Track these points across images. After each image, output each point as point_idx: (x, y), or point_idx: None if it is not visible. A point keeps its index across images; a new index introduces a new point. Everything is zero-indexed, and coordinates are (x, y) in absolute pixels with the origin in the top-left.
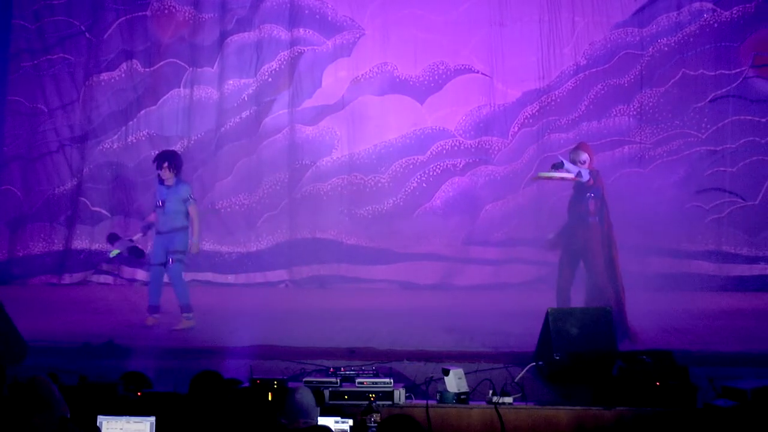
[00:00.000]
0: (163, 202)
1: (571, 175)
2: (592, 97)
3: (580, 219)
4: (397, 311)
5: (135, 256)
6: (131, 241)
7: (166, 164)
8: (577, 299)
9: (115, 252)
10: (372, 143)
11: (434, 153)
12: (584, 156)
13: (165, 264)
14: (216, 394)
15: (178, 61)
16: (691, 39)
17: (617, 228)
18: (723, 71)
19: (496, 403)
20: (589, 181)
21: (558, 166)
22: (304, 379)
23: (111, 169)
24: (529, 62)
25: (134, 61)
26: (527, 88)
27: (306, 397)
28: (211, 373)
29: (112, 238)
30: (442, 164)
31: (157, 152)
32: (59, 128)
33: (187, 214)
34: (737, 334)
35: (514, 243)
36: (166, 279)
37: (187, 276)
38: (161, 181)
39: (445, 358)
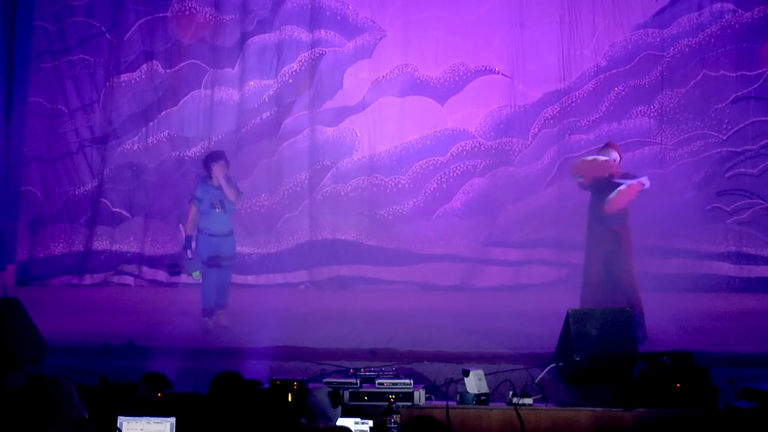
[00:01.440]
0: (221, 203)
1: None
2: (613, 98)
3: (613, 220)
4: (417, 312)
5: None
6: (190, 259)
7: (223, 161)
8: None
9: (197, 274)
10: (392, 144)
11: (454, 154)
12: (614, 154)
13: (218, 266)
14: (236, 395)
15: (198, 62)
16: (712, 40)
17: (638, 229)
18: (744, 72)
19: (516, 404)
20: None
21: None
22: (324, 380)
23: (131, 170)
24: (549, 63)
25: (155, 62)
26: (548, 89)
27: (323, 398)
28: (231, 374)
29: (175, 269)
30: (462, 165)
31: (177, 153)
32: (79, 129)
33: None
34: (758, 335)
35: (534, 244)
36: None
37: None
38: (207, 181)
39: (465, 359)
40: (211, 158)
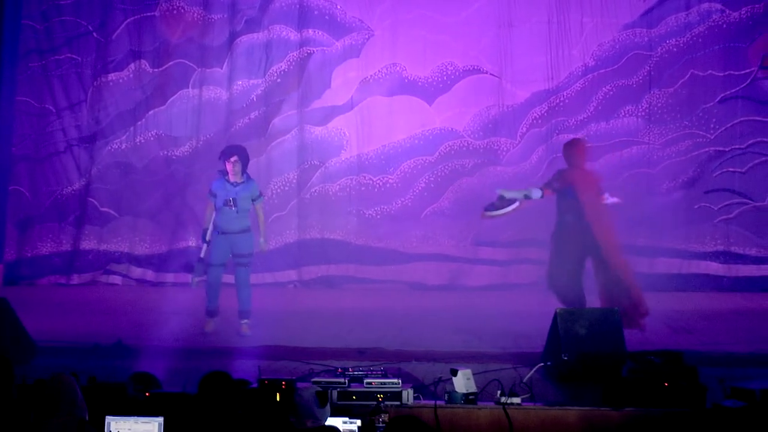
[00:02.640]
0: (234, 201)
1: (516, 205)
2: (601, 97)
3: (559, 218)
4: (406, 312)
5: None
6: (201, 258)
7: (235, 158)
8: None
9: (195, 281)
10: (381, 144)
11: (443, 153)
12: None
13: (224, 265)
14: (225, 394)
15: (186, 62)
16: (700, 40)
17: (627, 229)
18: (732, 72)
19: (505, 404)
20: (544, 194)
21: (502, 199)
22: (312, 380)
23: (119, 170)
24: (537, 63)
25: (142, 61)
26: (536, 89)
27: (310, 397)
28: (220, 373)
29: (190, 269)
30: (450, 165)
31: (165, 153)
32: (67, 128)
33: (248, 213)
34: (746, 334)
35: (523, 243)
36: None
37: (197, 278)
38: (224, 177)
39: (453, 359)
40: (223, 154)
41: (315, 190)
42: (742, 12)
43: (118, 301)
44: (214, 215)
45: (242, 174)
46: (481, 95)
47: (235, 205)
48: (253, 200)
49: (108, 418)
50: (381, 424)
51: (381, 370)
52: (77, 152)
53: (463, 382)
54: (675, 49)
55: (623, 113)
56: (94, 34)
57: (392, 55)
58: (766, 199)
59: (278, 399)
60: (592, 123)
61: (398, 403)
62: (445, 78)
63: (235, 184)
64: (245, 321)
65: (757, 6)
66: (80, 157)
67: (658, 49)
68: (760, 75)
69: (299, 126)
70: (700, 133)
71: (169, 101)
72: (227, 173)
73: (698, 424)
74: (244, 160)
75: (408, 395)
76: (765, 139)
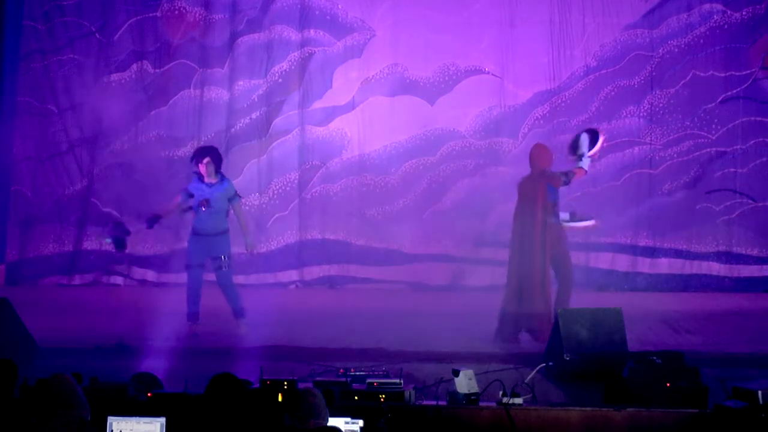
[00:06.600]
0: (207, 202)
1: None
2: (603, 98)
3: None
4: (408, 312)
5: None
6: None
7: (207, 159)
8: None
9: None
10: (382, 144)
11: (444, 154)
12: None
13: (203, 266)
14: (233, 397)
15: (188, 62)
16: (701, 40)
17: (628, 229)
18: (733, 72)
19: (506, 404)
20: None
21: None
22: (314, 380)
23: (121, 170)
24: (539, 63)
25: (144, 62)
26: (538, 89)
27: (316, 398)
28: (228, 375)
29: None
30: (452, 165)
31: (167, 153)
32: (69, 129)
33: (227, 214)
34: (748, 334)
35: None
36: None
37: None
38: (200, 179)
39: (455, 359)
40: (195, 156)
41: (316, 191)
42: (744, 13)
43: (119, 301)
44: (176, 207)
45: (216, 174)
46: (483, 95)
47: (208, 206)
48: (229, 200)
49: (110, 419)
50: (383, 425)
51: (383, 371)
52: (79, 153)
53: (464, 382)
54: (676, 50)
55: (625, 114)
56: (96, 34)
57: (393, 56)
58: None
59: (280, 399)
60: (594, 123)
61: (400, 403)
62: (446, 78)
63: (209, 185)
64: (243, 319)
65: (758, 7)
66: (82, 158)
67: (660, 50)
68: (761, 75)
69: (300, 126)
70: (702, 133)
71: (170, 102)
72: (202, 175)
73: (700, 425)
74: (217, 161)
75: (410, 395)
76: (766, 140)
